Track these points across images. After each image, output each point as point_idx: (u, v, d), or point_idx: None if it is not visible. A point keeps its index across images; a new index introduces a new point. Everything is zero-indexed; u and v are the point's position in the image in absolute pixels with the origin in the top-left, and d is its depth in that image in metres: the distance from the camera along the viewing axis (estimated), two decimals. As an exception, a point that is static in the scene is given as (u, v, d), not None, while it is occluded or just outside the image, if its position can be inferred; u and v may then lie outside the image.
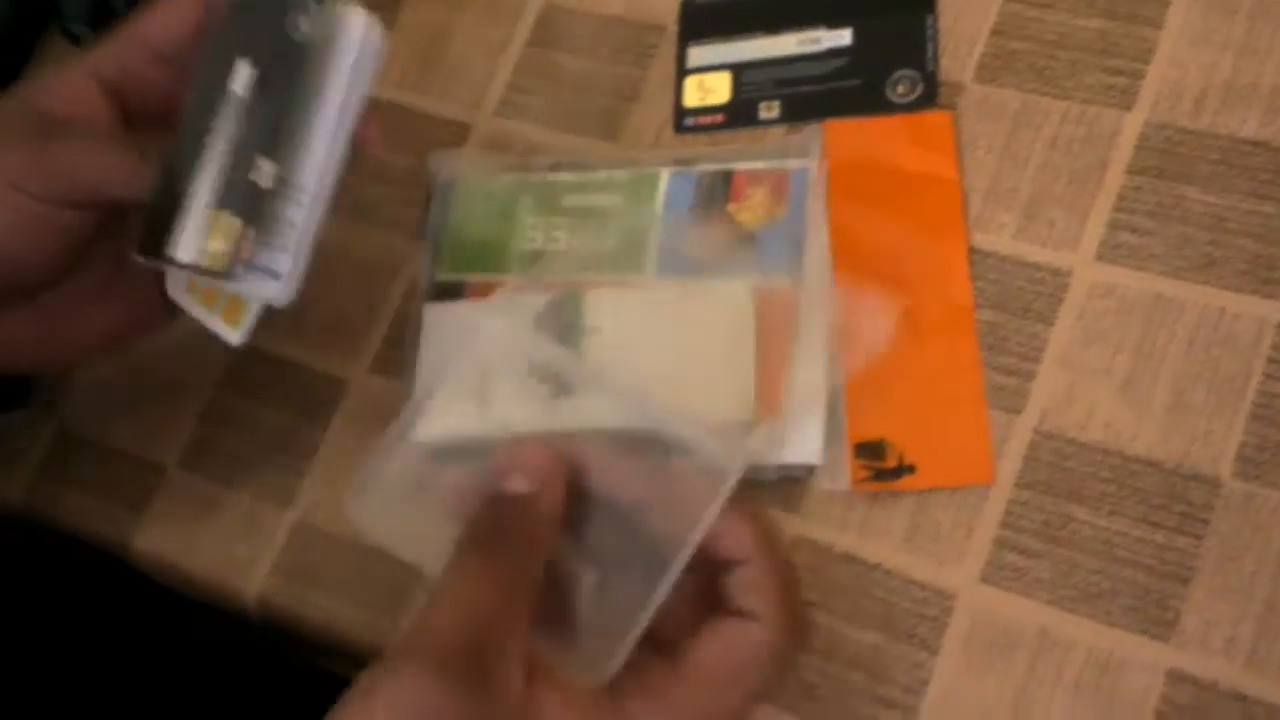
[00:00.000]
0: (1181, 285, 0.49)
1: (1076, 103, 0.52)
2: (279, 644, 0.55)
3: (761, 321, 0.51)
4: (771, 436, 0.49)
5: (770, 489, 0.49)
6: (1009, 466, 0.48)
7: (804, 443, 0.49)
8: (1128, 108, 0.52)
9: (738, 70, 0.57)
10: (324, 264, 0.59)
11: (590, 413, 0.51)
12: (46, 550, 0.59)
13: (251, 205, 0.45)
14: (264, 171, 0.45)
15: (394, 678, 0.33)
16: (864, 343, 0.50)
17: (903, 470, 0.48)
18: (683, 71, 0.58)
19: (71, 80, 0.47)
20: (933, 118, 0.53)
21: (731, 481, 0.38)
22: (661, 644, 0.38)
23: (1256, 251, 0.48)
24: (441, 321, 0.55)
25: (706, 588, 0.39)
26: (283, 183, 0.46)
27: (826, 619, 0.48)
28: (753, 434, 0.49)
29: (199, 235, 0.45)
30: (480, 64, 0.61)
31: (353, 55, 0.45)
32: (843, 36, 0.56)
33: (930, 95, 0.54)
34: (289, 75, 0.45)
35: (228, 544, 0.56)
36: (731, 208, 0.53)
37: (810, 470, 0.49)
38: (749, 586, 0.38)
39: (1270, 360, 0.47)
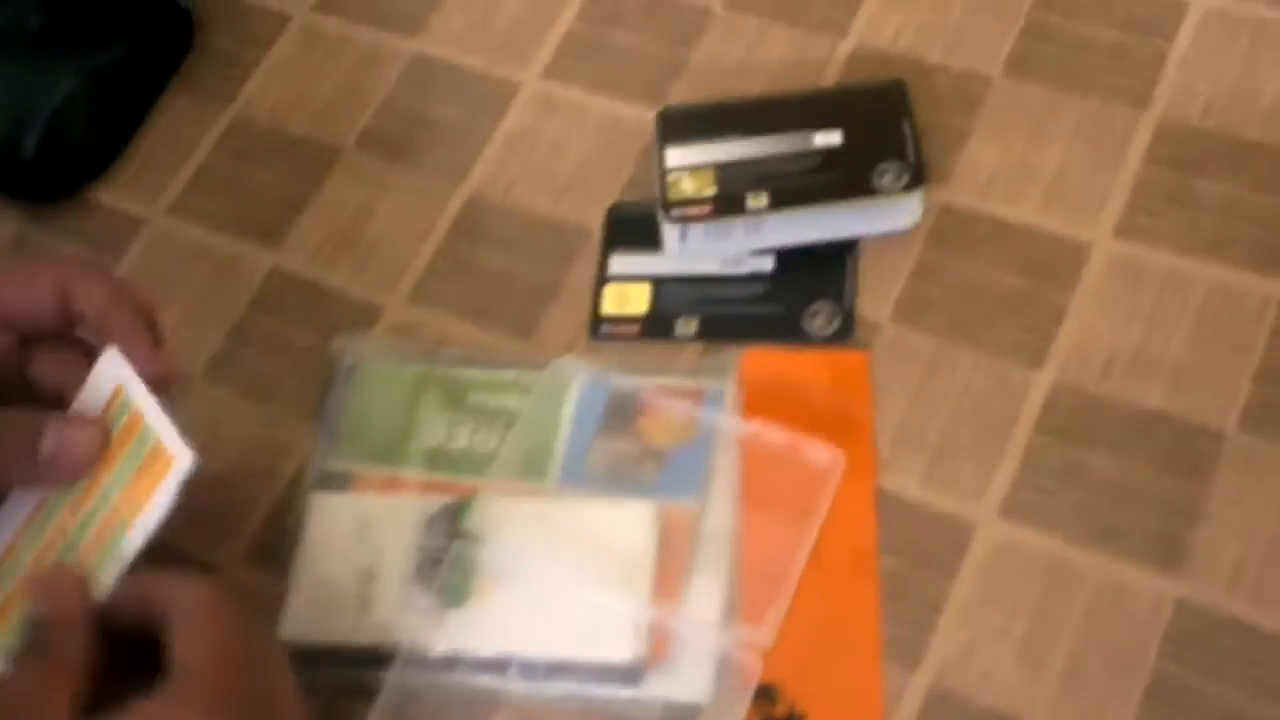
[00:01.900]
0: (1082, 551, 0.49)
1: (988, 354, 0.53)
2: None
3: (661, 546, 0.50)
4: (660, 671, 0.47)
5: (655, 725, 0.47)
6: (902, 724, 0.46)
7: (693, 680, 0.47)
8: (1038, 366, 0.52)
9: (658, 283, 0.57)
10: (210, 437, 0.56)
11: (477, 634, 0.49)
12: None
13: None
14: None
15: None
16: (764, 585, 0.48)
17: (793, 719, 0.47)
18: (603, 278, 0.57)
19: (33, 275, 0.48)
20: (849, 356, 0.54)
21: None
22: None
23: (1156, 527, 0.49)
24: (328, 513, 0.52)
25: None
26: None
27: None
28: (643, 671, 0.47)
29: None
30: (399, 247, 0.60)
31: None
32: (765, 263, 0.56)
33: (847, 330, 0.54)
34: None
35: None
36: (642, 424, 0.53)
37: (697, 710, 0.47)
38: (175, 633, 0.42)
39: (1167, 638, 0.46)
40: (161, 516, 0.44)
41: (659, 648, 0.48)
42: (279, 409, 0.56)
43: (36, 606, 0.44)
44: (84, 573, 0.45)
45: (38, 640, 0.43)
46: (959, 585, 0.49)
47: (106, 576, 0.45)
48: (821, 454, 0.51)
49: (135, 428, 0.46)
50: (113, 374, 0.47)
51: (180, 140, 0.65)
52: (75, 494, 0.47)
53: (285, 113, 0.65)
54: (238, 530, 0.54)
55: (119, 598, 0.44)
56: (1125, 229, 0.55)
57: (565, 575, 0.49)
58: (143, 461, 0.45)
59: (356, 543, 0.51)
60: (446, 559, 0.50)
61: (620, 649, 0.47)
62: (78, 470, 0.46)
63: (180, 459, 0.44)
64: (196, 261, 0.61)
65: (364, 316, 0.58)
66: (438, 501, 0.52)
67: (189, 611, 0.42)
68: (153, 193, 0.63)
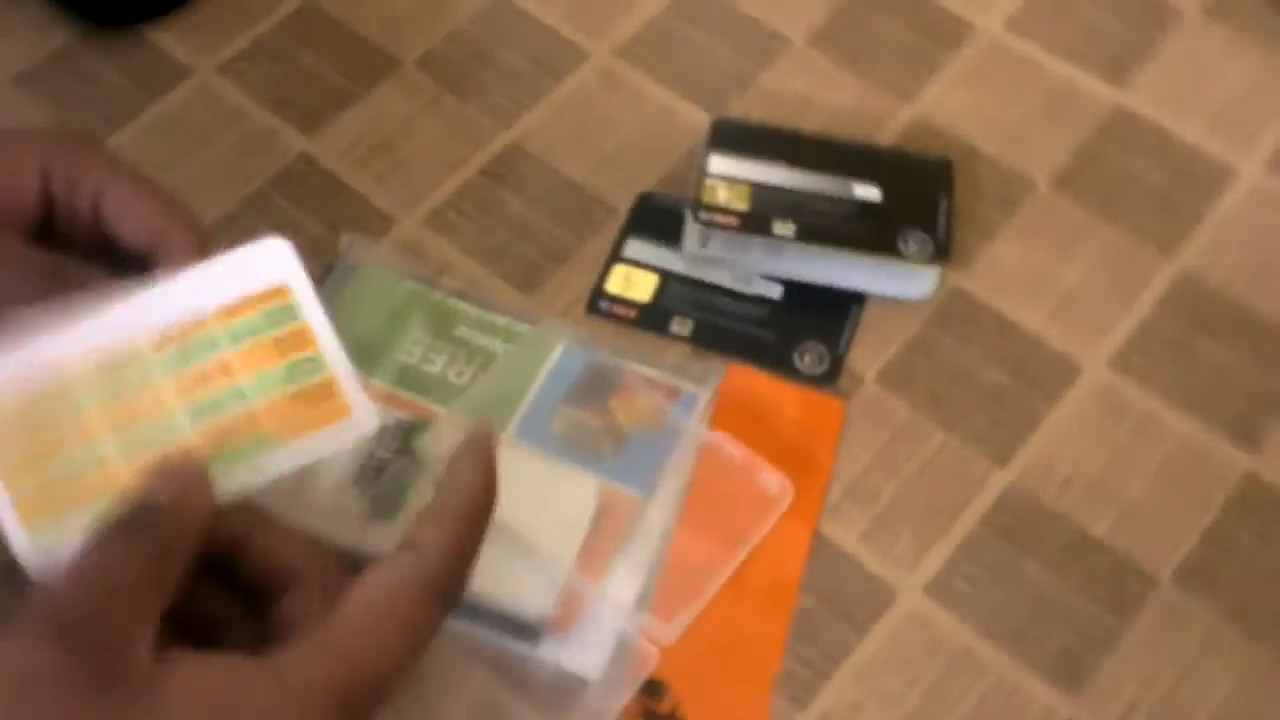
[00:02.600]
0: (990, 647, 0.49)
1: (957, 439, 0.54)
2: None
3: (596, 521, 0.50)
4: (560, 638, 0.48)
5: (540, 688, 0.47)
6: (774, 758, 0.47)
7: (588, 655, 0.48)
8: (1001, 464, 0.53)
9: (666, 277, 0.57)
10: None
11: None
12: None
13: None
14: None
15: (9, 638, 0.34)
16: (682, 587, 0.49)
17: (673, 721, 0.47)
18: (615, 257, 0.58)
19: (15, 160, 0.44)
20: (827, 400, 0.54)
21: None
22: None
23: (1066, 644, 0.49)
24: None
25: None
26: None
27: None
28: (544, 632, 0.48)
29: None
30: (429, 170, 0.60)
31: None
32: (774, 290, 0.57)
33: (832, 375, 0.55)
34: None
35: None
36: (614, 403, 0.53)
37: (584, 685, 0.47)
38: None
39: (1047, 751, 0.47)
40: (317, 459, 0.41)
41: (565, 615, 0.48)
42: (268, 285, 0.56)
43: (154, 489, 0.38)
44: (204, 467, 0.39)
45: (148, 520, 0.37)
46: (866, 644, 0.49)
47: (226, 482, 0.40)
48: (774, 482, 0.51)
49: (301, 344, 0.42)
50: (277, 265, 0.43)
51: (248, 7, 0.65)
52: (186, 366, 0.41)
53: (356, 11, 0.65)
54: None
55: (251, 539, 0.40)
56: (1119, 363, 0.56)
57: (496, 520, 0.49)
58: (306, 390, 0.41)
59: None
60: (388, 471, 0.50)
61: (528, 604, 0.48)
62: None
63: (362, 418, 0.42)
64: (230, 125, 0.61)
65: (376, 224, 0.59)
66: (394, 414, 0.52)
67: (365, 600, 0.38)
68: (208, 48, 0.64)
